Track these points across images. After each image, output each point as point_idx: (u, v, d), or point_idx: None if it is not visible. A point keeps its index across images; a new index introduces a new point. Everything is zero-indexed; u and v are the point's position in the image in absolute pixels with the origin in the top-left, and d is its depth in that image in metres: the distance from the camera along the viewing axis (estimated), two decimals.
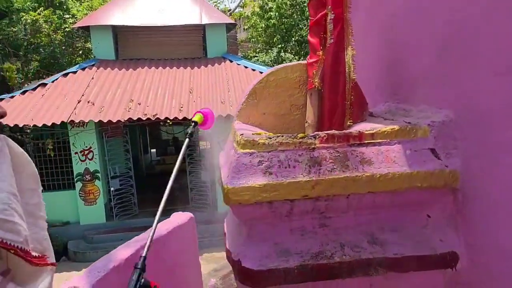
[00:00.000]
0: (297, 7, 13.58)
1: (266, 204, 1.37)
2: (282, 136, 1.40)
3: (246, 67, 9.93)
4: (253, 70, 9.79)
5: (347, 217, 1.45)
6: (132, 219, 8.79)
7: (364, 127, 1.59)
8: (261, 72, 9.65)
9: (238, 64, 10.00)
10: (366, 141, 1.42)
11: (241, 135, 1.45)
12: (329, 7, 1.77)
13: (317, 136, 1.40)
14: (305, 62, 1.84)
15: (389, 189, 1.38)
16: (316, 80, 1.76)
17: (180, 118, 8.00)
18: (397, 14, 1.85)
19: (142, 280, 1.13)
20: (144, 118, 7.94)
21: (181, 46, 10.28)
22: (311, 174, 1.36)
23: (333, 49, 1.75)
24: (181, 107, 8.29)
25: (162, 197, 1.52)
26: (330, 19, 1.77)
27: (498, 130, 1.22)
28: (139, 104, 8.34)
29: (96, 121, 7.93)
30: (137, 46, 10.22)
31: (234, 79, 9.32)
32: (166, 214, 2.70)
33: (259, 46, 15.65)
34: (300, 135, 1.41)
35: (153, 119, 7.96)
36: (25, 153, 1.23)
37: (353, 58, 1.77)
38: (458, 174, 1.38)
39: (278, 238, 1.45)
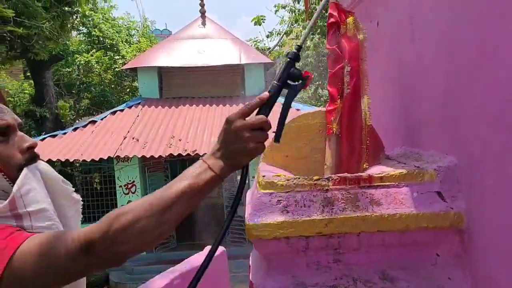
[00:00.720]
0: None
1: (284, 240, 1.52)
2: (299, 178, 1.57)
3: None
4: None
5: (359, 254, 1.57)
6: (170, 252, 9.03)
7: (376, 170, 1.73)
8: (298, 109, 9.90)
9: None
10: (375, 184, 1.55)
11: (263, 176, 1.63)
12: (346, 60, 1.96)
13: (331, 179, 1.55)
14: (324, 109, 2.02)
15: (397, 229, 1.49)
16: (334, 126, 1.93)
17: None
18: (403, 66, 2.02)
19: (292, 69, 1.16)
20: (184, 154, 8.31)
21: (221, 85, 10.77)
22: (324, 213, 1.50)
23: (350, 98, 1.93)
24: None
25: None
26: (347, 71, 1.95)
27: (494, 174, 1.33)
28: (180, 140, 8.75)
29: (139, 156, 8.38)
30: (180, 86, 10.80)
31: (270, 116, 9.58)
32: (201, 247, 2.87)
33: None
34: (315, 177, 1.57)
35: (193, 155, 8.31)
36: (60, 176, 1.28)
37: (369, 106, 1.94)
38: (463, 215, 1.48)
39: (296, 271, 1.59)
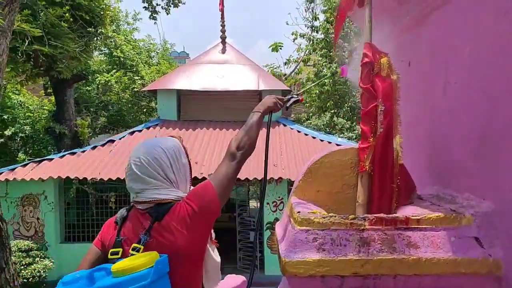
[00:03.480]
0: None
1: (319, 278, 1.52)
2: (335, 216, 1.58)
3: (299, 131, 10.26)
4: (306, 134, 10.09)
5: None
6: None
7: (411, 211, 1.73)
8: (314, 138, 9.95)
9: (292, 129, 10.36)
10: (412, 226, 1.56)
11: (298, 212, 1.65)
12: (380, 100, 2.00)
13: (367, 219, 1.57)
14: (356, 146, 2.05)
15: (434, 273, 1.49)
16: (367, 164, 1.95)
17: None
18: (436, 109, 2.04)
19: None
20: (200, 177, 8.34)
21: (238, 110, 10.87)
22: (360, 253, 1.51)
23: (383, 137, 1.95)
24: None
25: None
26: (380, 110, 1.99)
27: None
28: (196, 163, 8.80)
29: None
30: (198, 109, 10.95)
31: (287, 143, 9.64)
32: None
33: (312, 110, 16.10)
34: (351, 216, 1.59)
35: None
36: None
37: (401, 145, 1.96)
38: (501, 263, 1.47)
39: None
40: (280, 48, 16.02)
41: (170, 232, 1.42)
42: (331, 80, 13.82)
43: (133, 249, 1.39)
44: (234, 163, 1.66)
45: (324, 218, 1.58)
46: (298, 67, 16.55)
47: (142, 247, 1.38)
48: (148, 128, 10.45)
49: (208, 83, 10.76)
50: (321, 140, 9.79)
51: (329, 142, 9.65)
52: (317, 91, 14.07)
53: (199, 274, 1.53)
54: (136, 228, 1.46)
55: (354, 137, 13.19)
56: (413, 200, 1.95)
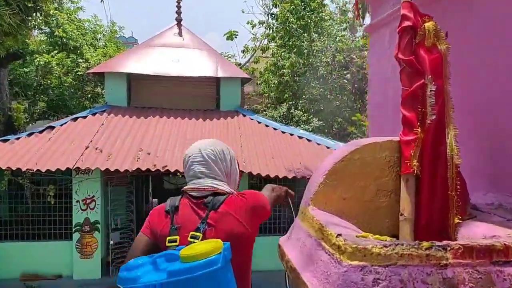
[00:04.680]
0: (310, 66, 13.67)
1: None
2: (402, 244, 1.04)
3: (259, 122, 9.74)
4: (266, 126, 9.59)
5: None
6: None
7: (487, 231, 1.24)
8: (275, 129, 9.46)
9: (251, 119, 9.82)
10: None
11: (339, 236, 1.09)
12: (430, 77, 1.48)
13: (449, 248, 1.04)
14: (396, 139, 1.52)
15: None
16: (414, 163, 1.43)
17: None
18: (491, 93, 1.57)
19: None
20: (153, 169, 7.60)
21: (194, 97, 10.17)
22: None
23: (435, 127, 1.44)
24: None
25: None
26: (430, 91, 1.47)
27: None
28: (149, 154, 8.03)
29: (102, 169, 7.57)
30: (150, 95, 10.10)
31: (246, 134, 9.09)
32: None
33: (267, 101, 15.66)
34: (425, 244, 1.05)
35: (163, 170, 7.61)
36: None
37: (456, 139, 1.46)
38: None
39: None
40: (235, 37, 15.39)
41: (226, 220, 1.50)
42: (290, 71, 13.39)
43: (191, 237, 1.45)
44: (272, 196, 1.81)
45: (386, 247, 1.03)
46: (254, 57, 16.01)
47: (201, 235, 1.45)
48: (94, 114, 9.46)
49: (162, 67, 9.93)
50: (283, 132, 9.33)
51: (291, 134, 9.22)
52: (276, 81, 13.61)
53: (250, 261, 1.62)
54: (191, 217, 1.52)
55: (310, 129, 12.88)
56: (469, 213, 1.46)
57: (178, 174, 7.89)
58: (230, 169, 1.69)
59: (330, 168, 1.48)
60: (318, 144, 8.87)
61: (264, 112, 15.07)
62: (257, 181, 8.36)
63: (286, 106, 14.49)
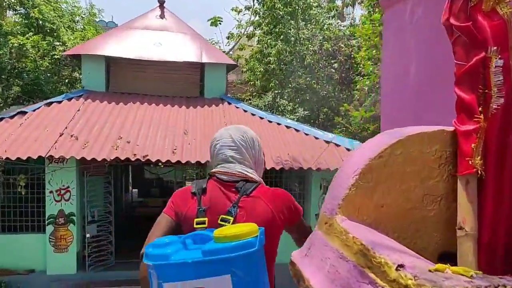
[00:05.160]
0: (297, 55, 13.31)
1: None
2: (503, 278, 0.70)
3: (245, 110, 9.35)
4: (253, 114, 9.21)
5: None
6: (107, 271, 7.75)
7: None
8: (261, 118, 9.10)
9: (237, 107, 9.42)
10: None
11: (400, 266, 0.75)
12: (494, 48, 1.14)
13: None
14: (449, 129, 1.18)
15: None
16: (476, 161, 1.09)
17: (174, 161, 7.25)
18: None
19: None
20: (133, 159, 7.15)
21: (177, 83, 9.70)
22: None
23: (502, 113, 1.11)
24: (175, 149, 7.56)
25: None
26: (495, 66, 1.13)
27: None
28: (128, 142, 7.57)
29: (78, 158, 7.09)
30: (130, 79, 9.57)
31: (232, 122, 8.69)
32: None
33: (252, 89, 15.27)
34: None
35: (143, 160, 7.18)
36: None
37: None
38: None
39: None
40: (220, 23, 14.87)
41: (258, 206, 1.49)
42: (276, 59, 13.00)
43: (222, 220, 1.44)
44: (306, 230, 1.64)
45: None
46: (239, 44, 15.54)
47: (232, 218, 1.44)
48: (69, 99, 8.90)
49: (142, 51, 9.41)
50: (269, 121, 8.97)
51: (278, 124, 8.87)
52: (262, 69, 13.20)
53: (276, 252, 1.57)
54: (220, 199, 1.51)
55: (295, 119, 12.56)
56: None
57: (160, 164, 7.47)
58: (258, 157, 1.67)
59: (364, 166, 1.13)
60: (307, 134, 8.55)
61: (248, 101, 14.66)
62: None
63: (271, 95, 14.12)
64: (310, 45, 13.33)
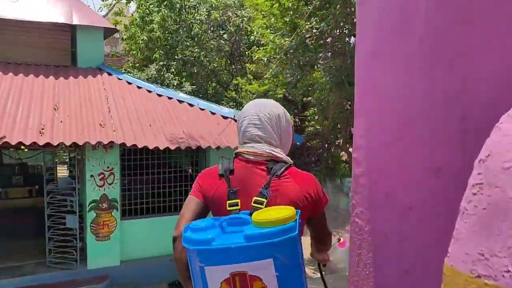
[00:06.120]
0: (183, 23, 12.26)
1: None
2: None
3: (129, 83, 8.14)
4: (139, 87, 8.06)
5: None
6: None
7: None
8: (150, 91, 8.01)
9: (120, 79, 8.16)
10: None
11: None
12: None
13: None
14: None
15: None
16: None
17: (41, 143, 5.86)
18: None
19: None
20: None
21: (42, 49, 8.01)
22: None
23: None
24: (42, 129, 6.14)
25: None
26: None
27: None
28: None
29: None
30: None
31: (115, 97, 7.48)
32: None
33: (134, 60, 13.80)
34: None
35: (0, 143, 5.66)
36: None
37: None
38: None
39: None
40: None
41: (289, 188, 1.46)
42: (160, 26, 11.77)
43: (255, 202, 1.41)
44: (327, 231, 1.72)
45: None
46: (117, 8, 13.80)
47: (265, 200, 1.41)
48: None
49: None
50: (159, 95, 7.94)
51: (170, 98, 7.90)
52: (145, 37, 11.82)
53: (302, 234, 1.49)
54: (251, 180, 1.47)
55: None
56: None
57: (23, 148, 6.00)
58: (285, 135, 1.60)
59: None
60: (202, 109, 7.77)
61: (129, 74, 13.17)
62: (132, 155, 6.93)
63: (155, 68, 12.86)
64: (196, 13, 12.38)
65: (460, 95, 1.21)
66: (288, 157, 1.57)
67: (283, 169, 1.47)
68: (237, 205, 1.42)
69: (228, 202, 1.43)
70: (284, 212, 1.25)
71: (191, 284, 1.28)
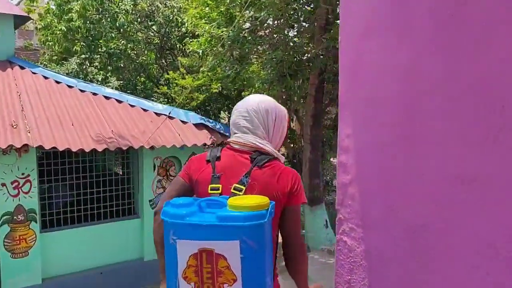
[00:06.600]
0: (106, 13, 11.34)
1: None
2: None
3: (46, 77, 7.25)
4: (58, 82, 7.20)
5: None
6: None
7: None
8: (70, 86, 7.20)
9: (34, 73, 7.23)
10: None
11: None
12: None
13: None
14: None
15: None
16: None
17: None
18: None
19: None
20: None
21: None
22: None
23: None
24: None
25: None
26: None
27: None
28: None
29: None
30: None
31: (30, 93, 6.59)
32: None
33: (50, 53, 12.57)
34: None
35: None
36: None
37: None
38: None
39: None
40: None
41: (268, 180, 1.50)
42: (81, 15, 10.76)
43: (235, 189, 1.47)
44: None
45: None
46: None
47: (244, 188, 1.47)
48: None
49: None
50: (82, 91, 7.15)
51: (94, 94, 7.15)
52: (63, 27, 10.71)
53: (276, 227, 1.55)
54: (234, 168, 1.54)
55: None
56: None
57: None
58: (274, 129, 1.64)
59: None
60: (132, 105, 7.11)
61: (47, 68, 11.95)
62: (52, 159, 6.14)
63: (77, 61, 11.78)
64: (121, 2, 11.50)
65: (495, 81, 0.92)
66: (276, 151, 1.61)
67: (265, 160, 1.53)
68: (218, 190, 1.50)
69: (210, 186, 1.51)
70: (259, 200, 1.31)
71: (163, 257, 1.39)
